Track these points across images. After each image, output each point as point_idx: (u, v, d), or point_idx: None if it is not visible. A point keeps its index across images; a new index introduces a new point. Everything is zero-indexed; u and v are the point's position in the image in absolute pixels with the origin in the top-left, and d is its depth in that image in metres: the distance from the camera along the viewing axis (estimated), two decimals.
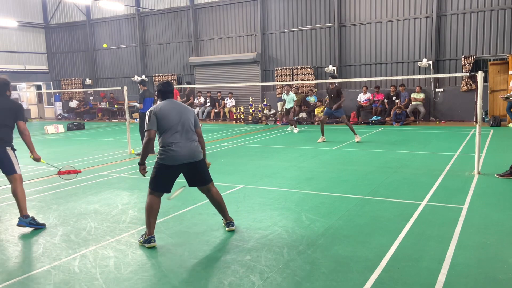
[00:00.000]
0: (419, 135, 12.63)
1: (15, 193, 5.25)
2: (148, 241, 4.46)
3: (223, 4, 20.08)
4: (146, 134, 4.50)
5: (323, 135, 11.89)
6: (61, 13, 25.65)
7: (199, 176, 4.73)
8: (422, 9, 16.08)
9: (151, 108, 4.59)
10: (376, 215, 5.21)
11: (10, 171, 5.28)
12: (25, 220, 5.15)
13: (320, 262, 3.91)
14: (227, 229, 4.88)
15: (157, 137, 4.61)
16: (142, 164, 4.62)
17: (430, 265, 3.76)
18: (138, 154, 10.59)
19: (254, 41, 19.55)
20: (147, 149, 4.57)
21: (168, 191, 4.63)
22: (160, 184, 4.56)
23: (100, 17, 24.10)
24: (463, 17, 15.55)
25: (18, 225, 5.16)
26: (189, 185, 4.82)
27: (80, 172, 8.64)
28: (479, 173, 7.18)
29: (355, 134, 11.54)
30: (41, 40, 26.33)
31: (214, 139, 12.31)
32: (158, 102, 4.75)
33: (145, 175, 4.62)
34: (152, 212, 4.51)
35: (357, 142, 11.33)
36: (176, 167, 4.55)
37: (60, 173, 8.65)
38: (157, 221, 5.16)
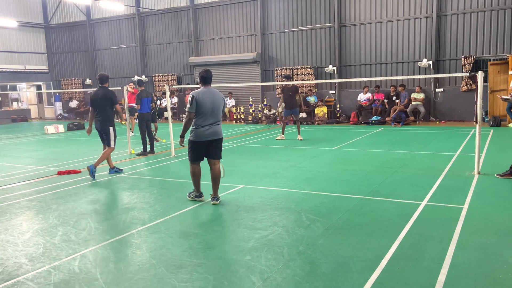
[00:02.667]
0: (419, 135, 12.63)
1: (104, 155, 8.04)
2: (199, 196, 6.06)
3: (223, 4, 20.08)
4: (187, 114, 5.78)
5: (283, 133, 12.53)
6: (61, 13, 25.66)
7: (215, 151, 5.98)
8: (422, 9, 16.08)
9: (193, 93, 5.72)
10: (376, 215, 5.21)
11: (108, 144, 8.11)
12: (112, 170, 8.25)
13: (320, 262, 3.91)
14: (212, 202, 5.91)
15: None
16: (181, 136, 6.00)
17: (430, 265, 3.76)
18: (138, 154, 10.60)
19: (254, 41, 19.56)
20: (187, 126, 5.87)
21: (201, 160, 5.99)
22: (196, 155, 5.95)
23: (100, 17, 24.10)
24: (463, 17, 15.55)
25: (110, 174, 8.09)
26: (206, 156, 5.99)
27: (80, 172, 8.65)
28: (479, 173, 7.18)
29: (299, 133, 12.43)
30: (41, 40, 26.34)
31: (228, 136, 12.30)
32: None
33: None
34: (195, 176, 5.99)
35: (279, 139, 12.30)
36: (204, 142, 5.85)
37: (60, 173, 8.68)
38: (157, 221, 5.28)
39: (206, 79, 5.86)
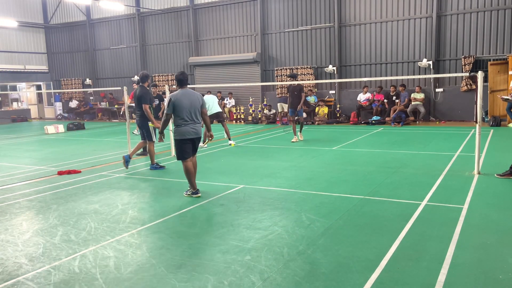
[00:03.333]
0: (419, 135, 12.63)
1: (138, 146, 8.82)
2: (195, 193, 6.31)
3: (223, 4, 20.08)
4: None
5: (295, 135, 12.16)
6: (61, 13, 25.65)
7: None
8: (422, 9, 16.08)
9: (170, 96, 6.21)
10: (376, 215, 5.21)
11: (149, 138, 8.78)
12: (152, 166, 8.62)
13: (320, 262, 3.91)
14: (194, 195, 6.35)
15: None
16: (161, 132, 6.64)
17: (430, 265, 3.76)
18: (138, 154, 10.59)
19: (254, 41, 19.56)
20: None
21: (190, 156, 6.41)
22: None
23: (100, 17, 24.10)
24: (463, 17, 15.55)
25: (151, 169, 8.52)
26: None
27: (80, 172, 8.66)
28: (479, 173, 7.18)
29: (300, 132, 12.22)
30: (41, 40, 26.33)
31: (214, 139, 12.30)
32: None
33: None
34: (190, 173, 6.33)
35: (294, 141, 11.84)
36: (188, 140, 6.30)
37: (60, 173, 8.68)
38: (157, 221, 5.29)
39: (182, 81, 6.29)
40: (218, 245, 4.43)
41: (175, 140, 6.31)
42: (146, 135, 8.82)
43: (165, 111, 6.26)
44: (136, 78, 22.37)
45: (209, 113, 10.87)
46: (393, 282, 3.47)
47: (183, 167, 6.31)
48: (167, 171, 8.53)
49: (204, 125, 6.83)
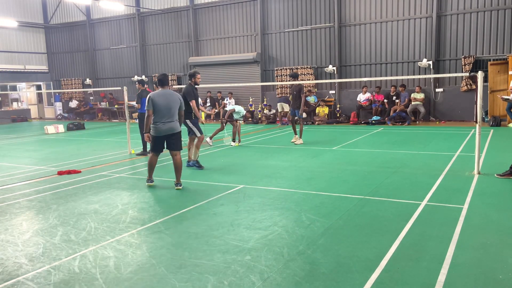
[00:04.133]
0: (419, 135, 12.62)
1: (197, 146, 8.68)
2: (150, 181, 7.16)
3: (223, 4, 20.08)
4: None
5: (296, 134, 11.97)
6: (61, 13, 25.65)
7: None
8: (422, 9, 16.08)
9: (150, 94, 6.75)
10: (376, 215, 5.21)
11: (195, 134, 8.62)
12: (190, 163, 8.67)
13: (320, 262, 3.91)
14: (175, 188, 6.88)
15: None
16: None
17: (430, 265, 3.76)
18: (138, 154, 10.60)
19: (254, 41, 19.56)
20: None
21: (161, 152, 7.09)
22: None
23: (100, 17, 24.10)
24: (463, 17, 15.55)
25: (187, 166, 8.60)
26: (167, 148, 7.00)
27: (80, 172, 8.66)
28: (479, 173, 7.17)
29: (300, 135, 11.78)
30: (41, 40, 26.34)
31: (214, 139, 12.31)
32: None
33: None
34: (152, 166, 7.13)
35: (294, 142, 11.66)
36: (161, 137, 6.89)
37: (60, 173, 8.68)
38: (157, 221, 5.30)
39: (161, 82, 6.88)
40: (218, 245, 4.43)
41: (150, 135, 6.92)
42: (191, 132, 8.65)
43: (145, 108, 6.85)
44: (136, 78, 22.38)
45: (237, 116, 11.91)
46: (393, 282, 3.47)
47: (148, 157, 7.16)
48: (167, 171, 8.53)
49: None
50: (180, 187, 6.88)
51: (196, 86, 8.67)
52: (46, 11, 26.01)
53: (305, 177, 7.46)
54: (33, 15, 25.48)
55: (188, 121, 8.49)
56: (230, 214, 5.45)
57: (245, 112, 12.10)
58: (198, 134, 8.58)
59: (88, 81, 24.88)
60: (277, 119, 17.86)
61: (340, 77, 17.62)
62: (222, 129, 12.10)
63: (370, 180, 7.06)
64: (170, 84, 21.01)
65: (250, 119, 18.48)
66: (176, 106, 6.86)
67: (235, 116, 11.92)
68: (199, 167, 8.59)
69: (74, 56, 25.65)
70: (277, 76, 18.99)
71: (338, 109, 17.64)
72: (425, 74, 16.13)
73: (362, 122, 16.52)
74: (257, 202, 5.95)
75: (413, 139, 11.74)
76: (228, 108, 12.21)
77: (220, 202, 6.02)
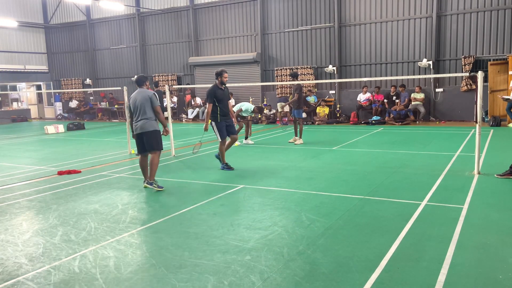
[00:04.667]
0: (419, 135, 12.63)
1: (220, 149, 8.45)
2: (146, 182, 6.98)
3: (223, 4, 20.08)
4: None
5: (296, 135, 11.87)
6: (61, 13, 25.65)
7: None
8: (422, 9, 16.08)
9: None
10: (376, 215, 5.21)
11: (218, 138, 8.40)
12: (220, 166, 8.35)
13: (320, 262, 3.91)
14: (143, 185, 6.94)
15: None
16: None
17: (430, 265, 3.76)
18: (138, 154, 10.57)
19: (254, 41, 19.56)
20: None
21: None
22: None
23: (100, 17, 24.10)
24: (463, 17, 15.55)
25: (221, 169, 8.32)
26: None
27: (80, 172, 8.66)
28: (479, 173, 7.17)
29: (300, 135, 11.69)
30: (41, 40, 26.33)
31: (214, 139, 12.29)
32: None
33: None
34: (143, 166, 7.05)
35: (293, 142, 11.60)
36: (136, 135, 6.92)
37: (60, 173, 8.68)
38: (157, 221, 5.31)
39: (137, 82, 7.11)
40: (218, 245, 4.43)
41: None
42: (216, 135, 8.37)
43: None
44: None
45: (246, 114, 11.78)
46: (393, 282, 3.47)
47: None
48: (166, 171, 8.53)
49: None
50: (149, 186, 6.85)
51: (223, 85, 8.19)
52: (46, 11, 26.01)
53: (305, 177, 7.46)
54: (33, 15, 25.48)
55: (213, 123, 8.26)
56: (230, 214, 5.45)
57: (253, 106, 11.90)
58: (219, 139, 8.33)
59: (88, 81, 24.88)
60: (277, 119, 17.85)
61: (340, 77, 17.62)
62: (242, 126, 12.12)
63: (370, 180, 7.06)
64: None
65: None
66: (146, 104, 6.80)
67: (244, 114, 11.91)
68: (228, 168, 8.29)
69: (74, 56, 25.65)
70: (277, 76, 18.99)
71: (338, 109, 17.64)
72: (425, 74, 16.13)
73: (362, 122, 16.52)
74: (257, 202, 5.95)
75: (413, 139, 11.74)
76: (234, 109, 11.95)
77: (220, 202, 6.02)
